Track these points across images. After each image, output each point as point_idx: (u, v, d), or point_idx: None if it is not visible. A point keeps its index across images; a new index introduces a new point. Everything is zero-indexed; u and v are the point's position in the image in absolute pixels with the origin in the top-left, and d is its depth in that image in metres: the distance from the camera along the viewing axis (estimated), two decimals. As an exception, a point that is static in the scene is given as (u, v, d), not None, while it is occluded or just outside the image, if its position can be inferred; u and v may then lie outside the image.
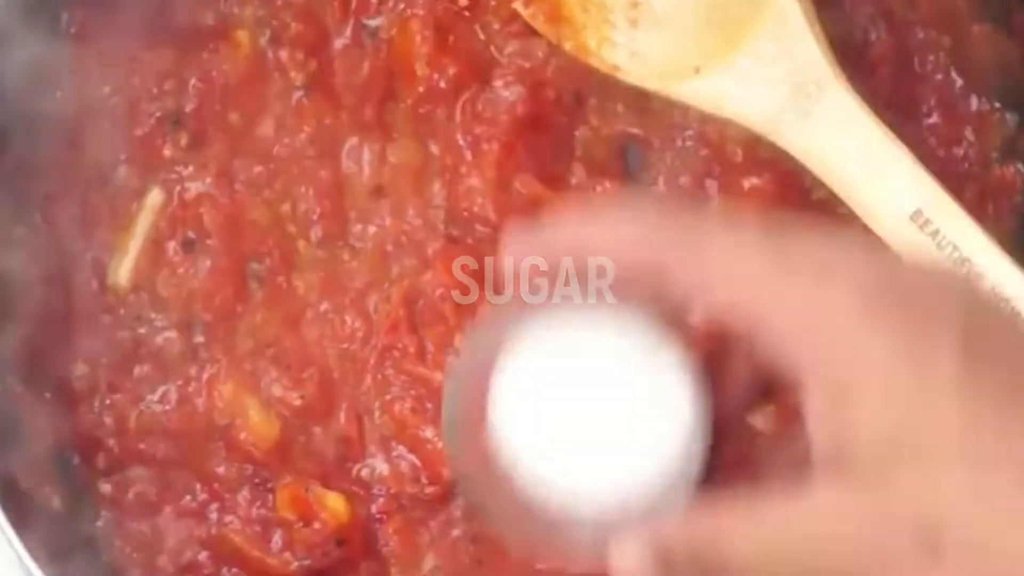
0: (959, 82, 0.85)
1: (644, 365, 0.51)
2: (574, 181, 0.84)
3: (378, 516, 0.83)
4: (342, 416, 0.83)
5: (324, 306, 0.84)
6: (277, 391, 0.83)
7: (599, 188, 0.83)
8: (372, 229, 0.84)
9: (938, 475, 0.46)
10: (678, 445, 0.51)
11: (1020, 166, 0.85)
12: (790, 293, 0.47)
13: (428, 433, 0.82)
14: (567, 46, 0.83)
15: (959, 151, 0.84)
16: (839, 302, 0.46)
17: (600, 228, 0.49)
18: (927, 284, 0.48)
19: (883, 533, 0.46)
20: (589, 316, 0.51)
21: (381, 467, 0.83)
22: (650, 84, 0.82)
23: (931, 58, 0.85)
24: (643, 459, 0.51)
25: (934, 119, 0.85)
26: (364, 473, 0.83)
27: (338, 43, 0.85)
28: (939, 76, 0.85)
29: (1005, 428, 0.46)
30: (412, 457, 0.83)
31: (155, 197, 0.85)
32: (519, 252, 0.50)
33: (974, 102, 0.85)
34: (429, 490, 0.82)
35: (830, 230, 0.49)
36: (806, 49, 0.79)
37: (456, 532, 0.83)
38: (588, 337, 0.51)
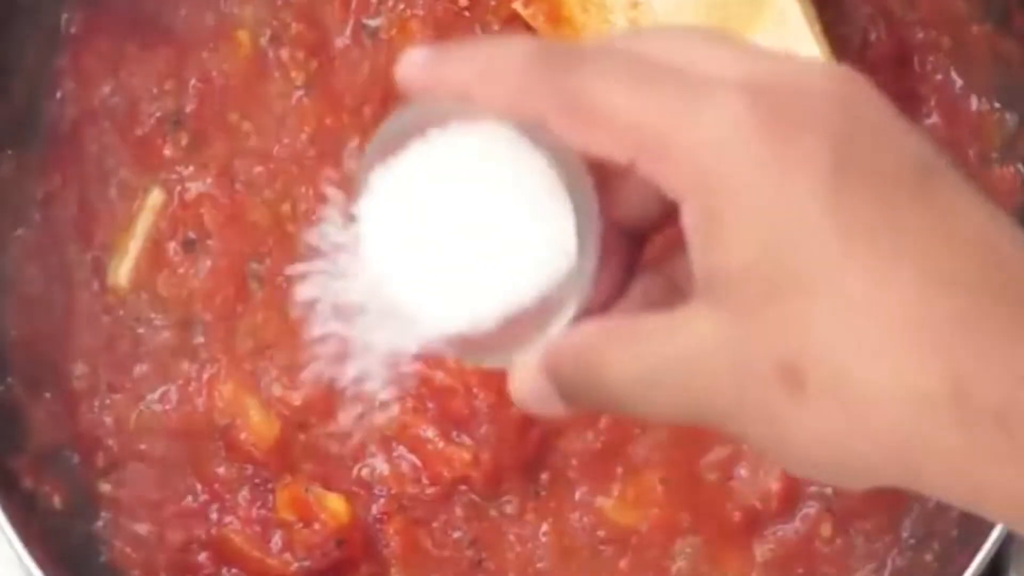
0: (959, 82, 0.85)
1: (524, 183, 0.49)
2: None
3: (379, 517, 0.83)
4: (342, 415, 0.83)
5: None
6: (277, 391, 0.84)
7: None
8: (372, 228, 0.84)
9: (803, 310, 0.45)
10: (561, 264, 0.49)
11: (1020, 166, 0.85)
12: (661, 120, 0.45)
13: (429, 433, 0.82)
14: (567, 46, 0.83)
15: (959, 151, 0.84)
16: (715, 115, 0.45)
17: (484, 72, 0.47)
18: (803, 90, 0.46)
19: (748, 366, 0.45)
20: (472, 131, 0.49)
21: (382, 467, 0.83)
22: (650, 84, 0.82)
23: (931, 58, 0.85)
24: (525, 279, 0.49)
25: (934, 119, 0.85)
26: (364, 473, 0.83)
27: (338, 43, 0.85)
28: (939, 76, 0.85)
29: (875, 262, 0.44)
30: (412, 457, 0.83)
31: (155, 197, 0.85)
32: (411, 76, 0.49)
33: (974, 102, 0.85)
34: (430, 491, 0.82)
35: (690, 31, 0.48)
36: (806, 49, 0.79)
37: (457, 534, 0.83)
38: (468, 156, 0.50)
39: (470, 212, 0.49)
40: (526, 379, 0.50)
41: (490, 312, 0.49)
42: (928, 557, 0.83)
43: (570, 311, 0.49)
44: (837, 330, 0.45)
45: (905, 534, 0.84)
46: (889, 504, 0.83)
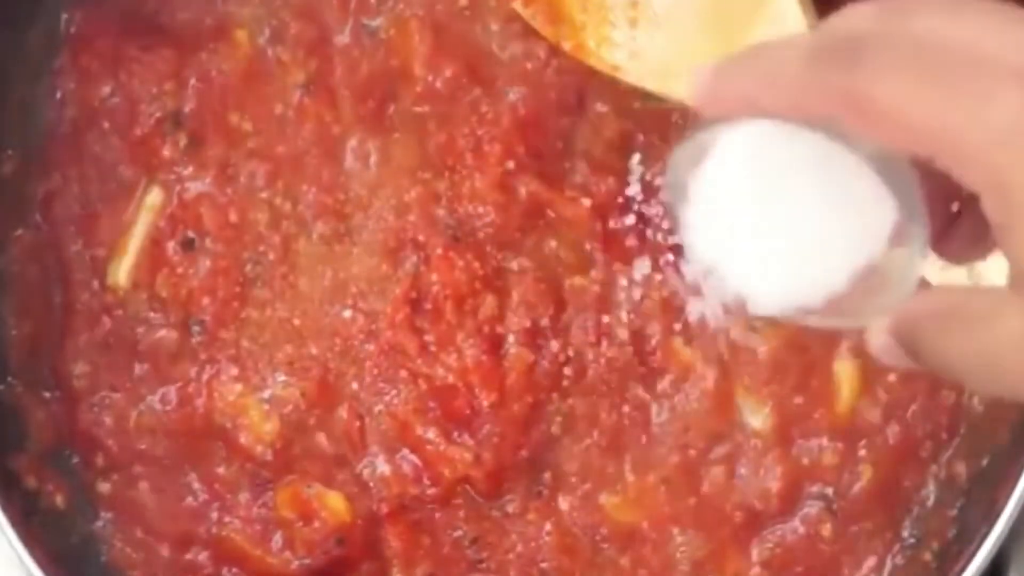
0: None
1: (835, 174, 0.52)
2: (576, 181, 0.84)
3: (380, 516, 0.83)
4: (343, 415, 0.83)
5: (324, 305, 0.84)
6: (277, 391, 0.84)
7: (601, 187, 0.83)
8: (373, 228, 0.84)
9: None
10: (885, 239, 0.53)
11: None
12: (950, 119, 0.46)
13: (430, 434, 0.82)
14: (566, 46, 0.83)
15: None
16: (998, 117, 0.45)
17: (764, 78, 0.49)
18: None
19: None
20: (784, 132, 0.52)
21: (383, 467, 0.83)
22: (649, 83, 0.82)
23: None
24: (845, 258, 0.53)
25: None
26: (366, 473, 0.83)
27: (338, 42, 0.85)
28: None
29: None
30: (414, 457, 0.83)
31: (155, 197, 0.86)
32: (701, 94, 0.51)
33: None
34: (431, 491, 0.83)
35: (991, 26, 0.48)
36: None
37: (458, 533, 0.83)
38: (783, 151, 0.53)
39: (792, 202, 0.53)
40: (880, 339, 0.53)
41: (827, 285, 0.54)
42: (928, 557, 0.83)
43: (913, 277, 0.53)
44: None
45: (905, 533, 0.84)
46: (889, 504, 0.84)
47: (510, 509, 0.84)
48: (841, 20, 0.50)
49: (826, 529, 0.84)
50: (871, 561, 0.84)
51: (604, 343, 0.83)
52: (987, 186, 0.46)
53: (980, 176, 0.46)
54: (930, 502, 0.84)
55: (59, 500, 0.83)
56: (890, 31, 0.48)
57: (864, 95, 0.47)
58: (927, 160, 0.47)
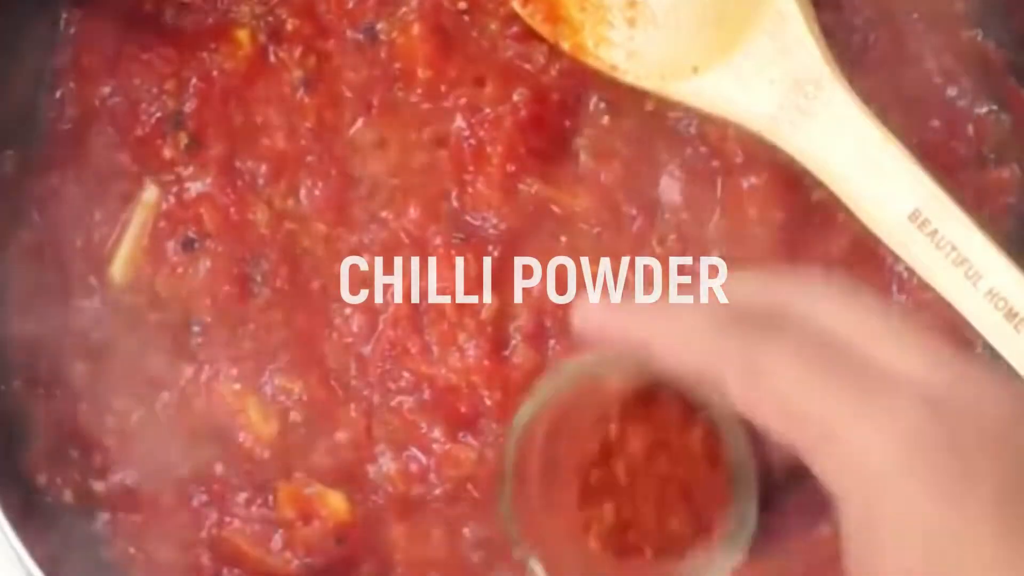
0: (957, 84, 0.85)
1: None
2: (578, 180, 0.84)
3: (384, 516, 0.83)
4: (344, 415, 0.83)
5: (325, 305, 0.84)
6: (277, 391, 0.84)
7: (603, 176, 0.83)
8: (374, 228, 0.84)
9: None
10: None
11: (1015, 167, 0.85)
12: (832, 415, 0.45)
13: (435, 433, 0.82)
14: (565, 46, 0.83)
15: (956, 152, 0.85)
16: (886, 427, 0.45)
17: (667, 332, 0.49)
18: (981, 412, 0.46)
19: None
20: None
21: (389, 466, 0.83)
22: (648, 84, 0.82)
23: (930, 60, 0.85)
24: None
25: (932, 120, 0.85)
26: (372, 472, 0.83)
27: (338, 41, 0.85)
28: (937, 78, 0.85)
29: None
30: (420, 457, 0.83)
31: (151, 194, 0.85)
32: (586, 327, 0.51)
33: (971, 104, 0.85)
34: (436, 490, 0.83)
35: (893, 329, 0.47)
36: (805, 49, 0.79)
37: (464, 532, 0.83)
38: None
39: None
40: None
41: None
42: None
43: (729, 565, 0.51)
44: None
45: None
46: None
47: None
48: (744, 288, 0.50)
49: (825, 528, 0.84)
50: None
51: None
52: (851, 490, 0.45)
53: (847, 480, 0.45)
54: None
55: (59, 500, 0.83)
56: (796, 318, 0.48)
57: (759, 369, 0.46)
58: (790, 451, 0.47)
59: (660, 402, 0.52)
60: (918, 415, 0.45)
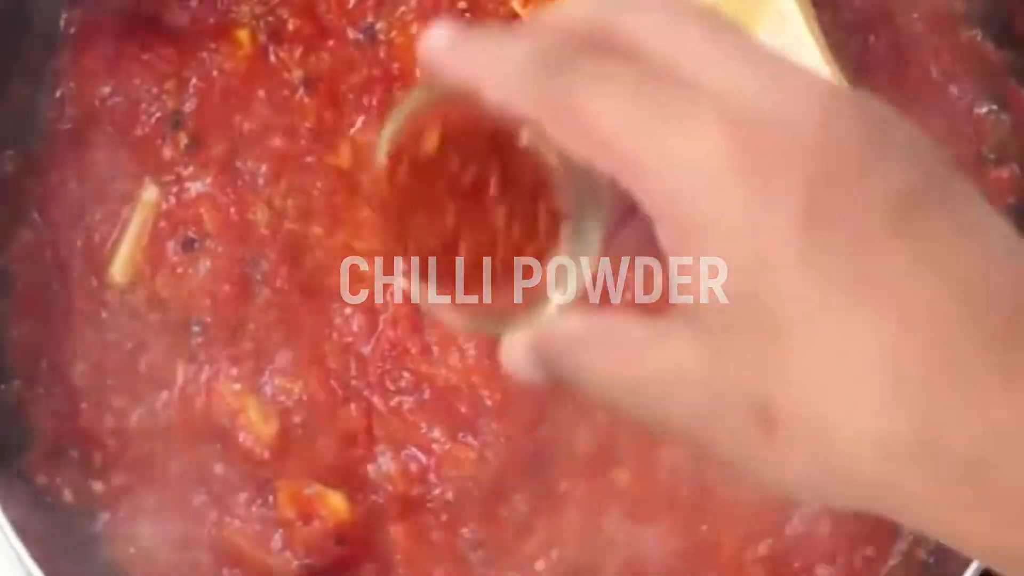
0: (956, 84, 0.85)
1: None
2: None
3: (384, 516, 0.83)
4: (344, 415, 0.83)
5: (325, 305, 0.84)
6: (277, 390, 0.84)
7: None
8: (375, 228, 0.84)
9: (777, 352, 0.44)
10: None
11: (1015, 167, 0.86)
12: (639, 139, 0.45)
13: (435, 433, 0.82)
14: (565, 46, 0.83)
15: (956, 152, 0.85)
16: (694, 147, 0.44)
17: (488, 67, 0.48)
18: (785, 122, 0.44)
19: (723, 399, 0.45)
20: None
21: (389, 466, 0.83)
22: (648, 84, 0.82)
23: (929, 60, 0.85)
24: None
25: (932, 120, 0.85)
26: (371, 472, 0.83)
27: (338, 41, 0.85)
28: (937, 78, 0.85)
29: (848, 308, 0.43)
30: (420, 457, 0.83)
31: (151, 194, 0.85)
32: (432, 56, 0.49)
33: (971, 104, 0.85)
34: (436, 491, 0.83)
35: (714, 40, 0.46)
36: (805, 49, 0.79)
37: (465, 533, 0.83)
38: None
39: None
40: (516, 351, 0.51)
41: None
42: (926, 556, 0.83)
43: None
44: (810, 377, 0.44)
45: (904, 531, 0.84)
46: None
47: (516, 509, 0.84)
48: (574, 6, 0.49)
49: (824, 528, 0.84)
50: (869, 560, 0.84)
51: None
52: (664, 215, 0.45)
53: (659, 203, 0.45)
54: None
55: (59, 499, 0.83)
56: (606, 32, 0.48)
57: (567, 101, 0.46)
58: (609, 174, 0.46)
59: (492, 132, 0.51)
60: (720, 132, 0.44)
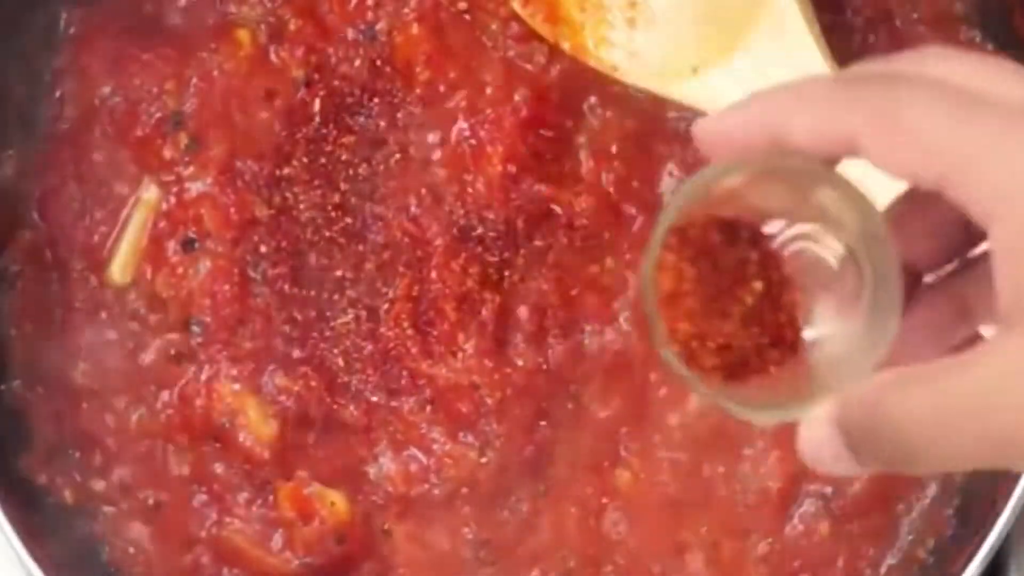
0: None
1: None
2: (579, 180, 0.84)
3: (385, 516, 0.83)
4: (344, 415, 0.83)
5: (325, 305, 0.84)
6: (277, 390, 0.84)
7: (605, 186, 0.84)
8: (374, 228, 0.84)
9: None
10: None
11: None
12: (979, 143, 0.46)
13: (435, 433, 0.82)
14: (565, 46, 0.83)
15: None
16: None
17: (789, 103, 0.48)
18: None
19: None
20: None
21: (389, 466, 0.83)
22: (648, 84, 0.82)
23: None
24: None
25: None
26: (372, 472, 0.83)
27: (338, 41, 0.85)
28: (937, 77, 0.85)
29: None
30: (420, 457, 0.83)
31: (151, 194, 0.85)
32: (711, 139, 0.50)
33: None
34: (437, 491, 0.83)
35: (1011, 72, 0.48)
36: (805, 50, 0.79)
37: (465, 533, 0.83)
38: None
39: None
40: (815, 432, 0.49)
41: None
42: (926, 556, 0.83)
43: (867, 365, 0.50)
44: None
45: (903, 532, 0.84)
46: (887, 503, 0.84)
47: (516, 509, 0.84)
48: (860, 65, 0.51)
49: (824, 527, 0.84)
50: (869, 560, 0.84)
51: (610, 340, 0.83)
52: (1001, 212, 0.45)
53: (997, 201, 0.45)
54: (928, 501, 0.84)
55: (59, 499, 0.83)
56: (923, 71, 0.49)
57: (896, 111, 0.47)
58: (931, 192, 0.47)
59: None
60: None
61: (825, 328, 0.52)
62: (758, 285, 0.51)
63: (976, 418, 0.45)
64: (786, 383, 0.51)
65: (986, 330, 0.50)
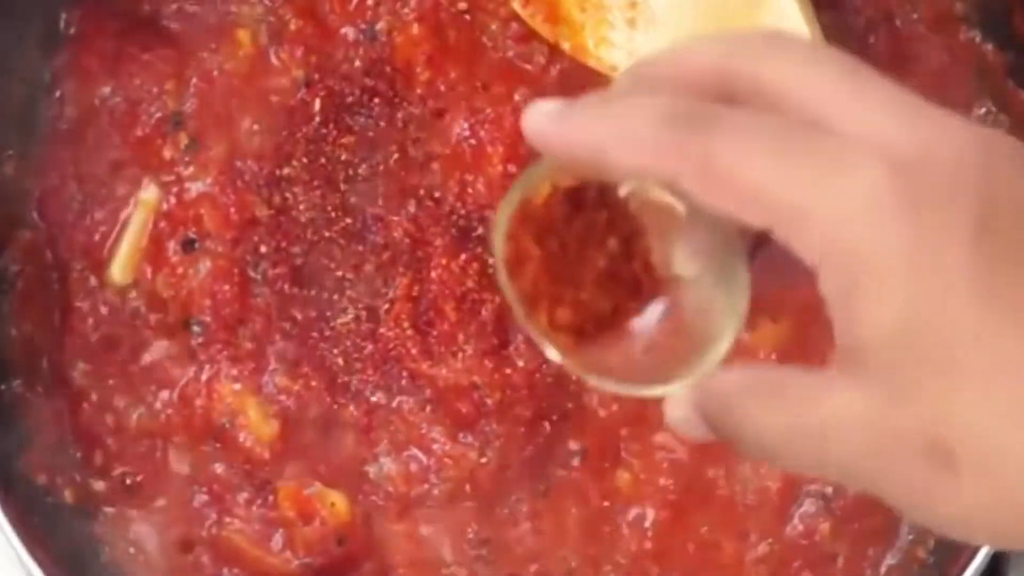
0: (956, 85, 0.85)
1: None
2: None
3: (385, 516, 0.83)
4: (344, 415, 0.83)
5: (325, 305, 0.84)
6: (277, 390, 0.84)
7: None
8: (374, 228, 0.84)
9: (952, 386, 0.44)
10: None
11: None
12: (797, 190, 0.45)
13: (435, 433, 0.82)
14: (565, 46, 0.83)
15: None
16: (856, 189, 0.44)
17: (615, 133, 0.47)
18: (944, 161, 0.45)
19: (892, 444, 0.45)
20: None
21: (389, 466, 0.83)
22: (648, 84, 0.82)
23: (930, 61, 0.86)
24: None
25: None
26: (372, 472, 0.83)
27: (339, 41, 0.86)
28: (937, 79, 0.85)
29: (1021, 331, 0.43)
30: (420, 457, 0.83)
31: (151, 194, 0.85)
32: (541, 132, 0.49)
33: (970, 105, 0.86)
34: (437, 491, 0.83)
35: (857, 88, 0.46)
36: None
37: (467, 533, 0.83)
38: None
39: None
40: (680, 412, 0.50)
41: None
42: (926, 556, 0.83)
43: (723, 345, 0.50)
44: (985, 405, 0.44)
45: (903, 532, 0.84)
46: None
47: (516, 509, 0.84)
48: (694, 56, 0.49)
49: (824, 528, 0.84)
50: (869, 560, 0.84)
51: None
52: (829, 261, 0.45)
53: (822, 250, 0.45)
54: (928, 501, 0.84)
55: (59, 499, 0.83)
56: (738, 80, 0.47)
57: (712, 158, 0.45)
58: (764, 230, 0.46)
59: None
60: (881, 174, 0.44)
61: (684, 272, 0.52)
62: (612, 243, 0.51)
63: (817, 447, 0.46)
64: (663, 348, 0.52)
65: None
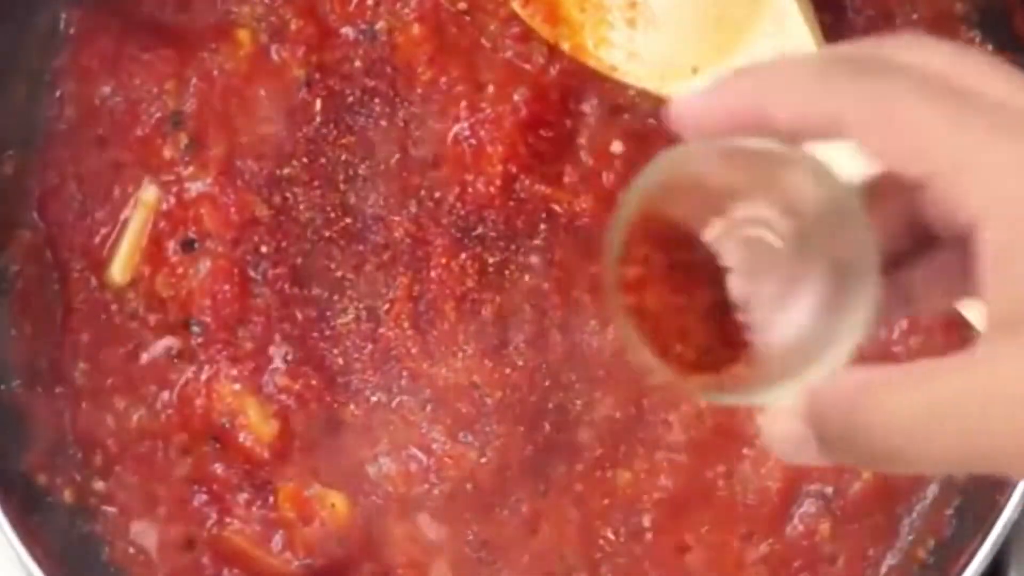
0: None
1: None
2: (578, 180, 0.84)
3: (385, 516, 0.83)
4: (344, 415, 0.83)
5: (325, 305, 0.84)
6: (277, 390, 0.84)
7: (604, 186, 0.84)
8: (374, 228, 0.84)
9: None
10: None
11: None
12: (969, 139, 0.44)
13: (435, 433, 0.83)
14: (565, 46, 0.83)
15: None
16: (1019, 160, 0.44)
17: (774, 83, 0.47)
18: None
19: None
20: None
21: (389, 466, 0.83)
22: (648, 84, 0.82)
23: (930, 60, 0.86)
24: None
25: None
26: (372, 472, 0.83)
27: (339, 41, 0.86)
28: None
29: None
30: (420, 457, 0.83)
31: (151, 194, 0.85)
32: (688, 119, 0.48)
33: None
34: (437, 491, 0.83)
35: (998, 69, 0.47)
36: (805, 49, 0.79)
37: (466, 534, 0.83)
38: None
39: None
40: (781, 425, 0.48)
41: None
42: (926, 556, 0.83)
43: (840, 355, 0.48)
44: None
45: (903, 532, 0.84)
46: (888, 503, 0.84)
47: (516, 509, 0.84)
48: (847, 45, 0.49)
49: (824, 528, 0.84)
50: (869, 560, 0.84)
51: (610, 340, 0.83)
52: (991, 213, 0.44)
53: (986, 203, 0.44)
54: (928, 501, 0.84)
55: (59, 499, 0.83)
56: (912, 61, 0.47)
57: (888, 99, 0.45)
58: (913, 187, 0.46)
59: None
60: None
61: (767, 313, 0.51)
62: (717, 275, 0.51)
63: (961, 425, 0.44)
64: (742, 369, 0.51)
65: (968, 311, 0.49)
